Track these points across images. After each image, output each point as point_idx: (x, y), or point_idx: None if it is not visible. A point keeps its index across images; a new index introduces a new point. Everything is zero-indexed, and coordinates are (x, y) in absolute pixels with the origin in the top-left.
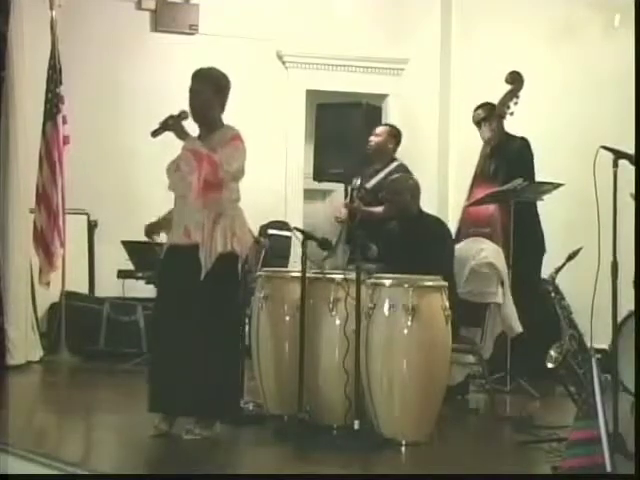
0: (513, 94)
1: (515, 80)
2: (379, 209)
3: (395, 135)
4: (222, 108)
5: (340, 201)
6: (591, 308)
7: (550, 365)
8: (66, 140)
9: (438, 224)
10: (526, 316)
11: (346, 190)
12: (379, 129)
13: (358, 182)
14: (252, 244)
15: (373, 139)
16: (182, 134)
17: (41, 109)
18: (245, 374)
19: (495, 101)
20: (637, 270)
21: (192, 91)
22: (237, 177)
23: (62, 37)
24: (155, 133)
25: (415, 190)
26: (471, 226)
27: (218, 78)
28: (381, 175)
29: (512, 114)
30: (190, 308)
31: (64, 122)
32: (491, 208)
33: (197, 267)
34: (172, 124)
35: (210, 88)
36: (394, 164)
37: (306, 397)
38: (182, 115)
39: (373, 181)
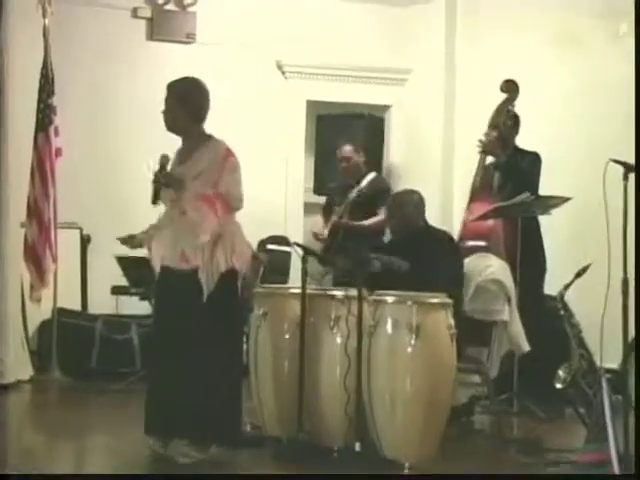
0: (508, 103)
1: (510, 89)
2: (368, 222)
3: (360, 150)
4: (195, 118)
5: (318, 218)
6: (601, 326)
7: (559, 385)
8: (58, 152)
9: (445, 238)
10: (533, 334)
11: (331, 207)
12: (346, 151)
13: (353, 194)
14: (251, 259)
15: (344, 165)
16: (178, 185)
17: (33, 120)
18: (243, 394)
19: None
20: None
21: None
22: None
23: (55, 46)
24: (154, 201)
25: (419, 203)
26: (470, 239)
27: (179, 88)
28: (361, 186)
29: (507, 124)
30: (190, 329)
31: (56, 134)
32: (491, 221)
33: (196, 288)
34: (165, 180)
35: (174, 101)
36: (370, 176)
37: (306, 417)
38: (163, 161)
39: (353, 193)
